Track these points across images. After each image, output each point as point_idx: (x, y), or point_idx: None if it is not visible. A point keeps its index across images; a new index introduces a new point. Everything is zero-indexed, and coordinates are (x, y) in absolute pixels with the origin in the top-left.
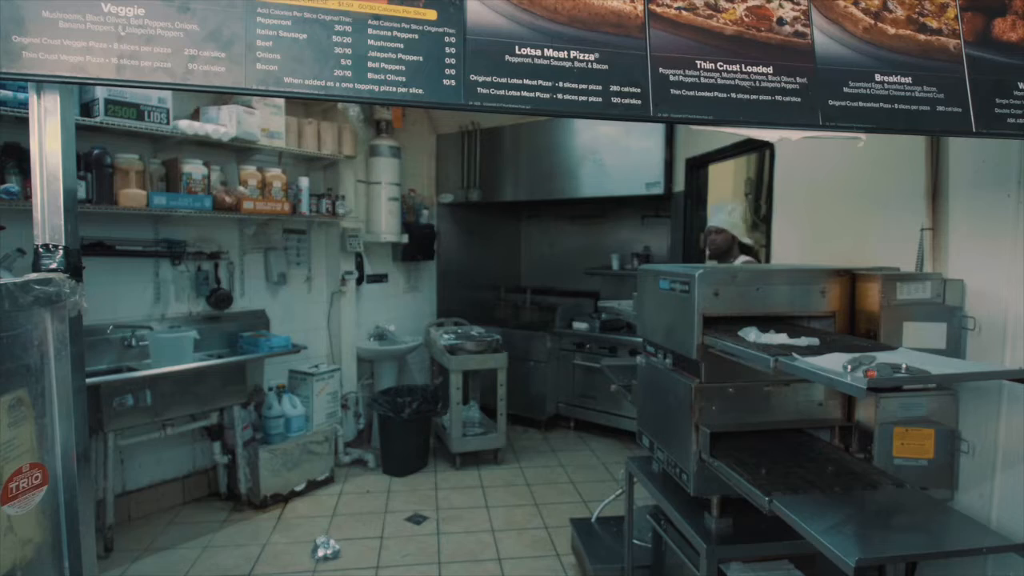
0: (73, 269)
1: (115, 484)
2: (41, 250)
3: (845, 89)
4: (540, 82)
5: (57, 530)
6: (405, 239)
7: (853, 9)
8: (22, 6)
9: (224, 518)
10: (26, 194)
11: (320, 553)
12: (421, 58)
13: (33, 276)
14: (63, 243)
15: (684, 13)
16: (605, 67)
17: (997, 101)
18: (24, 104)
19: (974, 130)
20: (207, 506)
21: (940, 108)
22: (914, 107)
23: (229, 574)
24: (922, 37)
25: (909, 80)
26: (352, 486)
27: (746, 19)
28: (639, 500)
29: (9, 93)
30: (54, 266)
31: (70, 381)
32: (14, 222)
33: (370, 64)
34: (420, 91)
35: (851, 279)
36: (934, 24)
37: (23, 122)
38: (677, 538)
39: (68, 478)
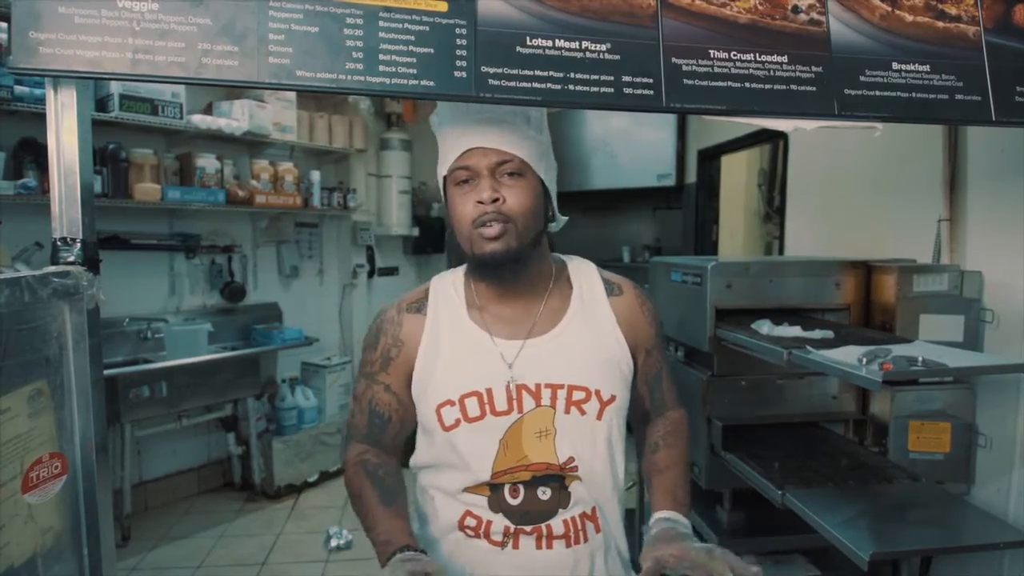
0: (90, 262)
1: (132, 474)
2: (59, 243)
3: (861, 78)
4: (551, 73)
5: (76, 519)
6: (416, 232)
7: None
8: (38, 2)
9: (239, 508)
10: (43, 188)
11: (333, 543)
12: (432, 50)
13: (51, 269)
14: (80, 236)
15: (697, 2)
16: (617, 57)
17: (1017, 89)
18: (40, 99)
19: (993, 119)
20: (222, 496)
21: (959, 96)
22: (932, 95)
23: (244, 563)
24: (940, 24)
25: (927, 68)
26: None
27: (760, 7)
28: None
29: (26, 89)
30: (72, 259)
31: (88, 373)
32: (31, 216)
33: (381, 56)
34: (431, 83)
35: (866, 271)
36: (953, 11)
37: (39, 117)
38: None
39: (87, 468)
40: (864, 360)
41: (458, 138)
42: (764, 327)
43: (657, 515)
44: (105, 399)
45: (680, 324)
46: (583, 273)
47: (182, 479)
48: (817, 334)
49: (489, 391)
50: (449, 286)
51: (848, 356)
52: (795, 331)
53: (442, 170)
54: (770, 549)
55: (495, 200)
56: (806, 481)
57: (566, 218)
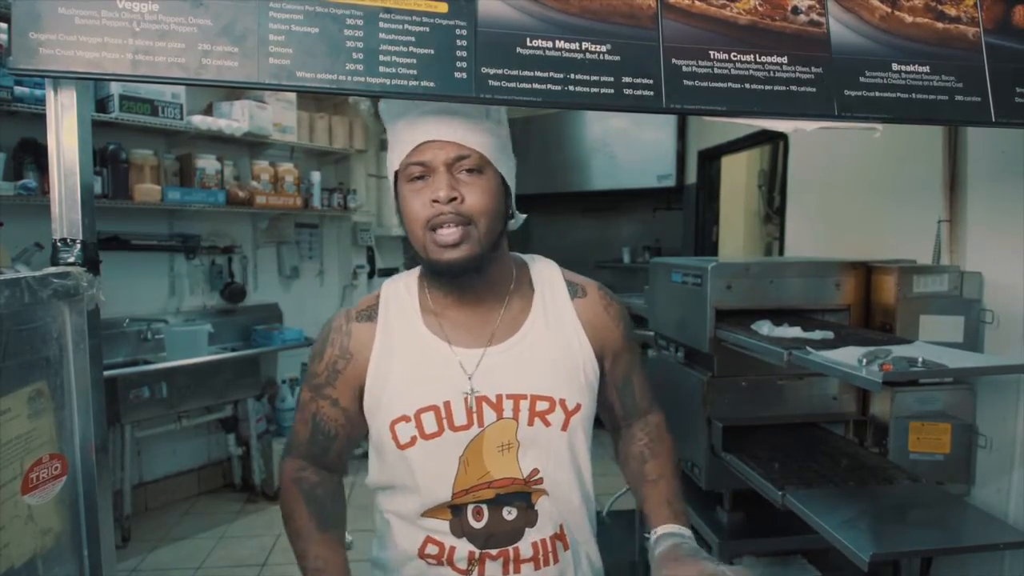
0: (90, 263)
1: (132, 475)
2: (59, 244)
3: (861, 79)
4: (551, 74)
5: (76, 520)
6: None
7: None
8: (38, 3)
9: (239, 509)
10: (43, 189)
11: None
12: (432, 51)
13: (51, 270)
14: (80, 237)
15: (697, 3)
16: (617, 58)
17: (1017, 90)
18: (40, 100)
19: (993, 120)
20: (222, 497)
21: (958, 98)
22: (931, 96)
23: (244, 564)
24: (940, 25)
25: (927, 69)
26: (364, 478)
27: (760, 8)
28: None
29: (26, 89)
30: (72, 260)
31: (88, 373)
32: (31, 217)
33: (381, 57)
34: (431, 84)
35: (866, 272)
36: (952, 12)
37: (39, 118)
38: None
39: (87, 469)
40: (864, 361)
41: (411, 129)
42: (764, 328)
43: (660, 530)
44: (105, 400)
45: (680, 325)
46: (545, 274)
47: (182, 480)
48: (817, 335)
49: (447, 404)
50: (402, 290)
51: (848, 357)
52: (795, 332)
53: (393, 164)
54: (770, 550)
55: (452, 199)
56: (806, 482)
57: (524, 216)
